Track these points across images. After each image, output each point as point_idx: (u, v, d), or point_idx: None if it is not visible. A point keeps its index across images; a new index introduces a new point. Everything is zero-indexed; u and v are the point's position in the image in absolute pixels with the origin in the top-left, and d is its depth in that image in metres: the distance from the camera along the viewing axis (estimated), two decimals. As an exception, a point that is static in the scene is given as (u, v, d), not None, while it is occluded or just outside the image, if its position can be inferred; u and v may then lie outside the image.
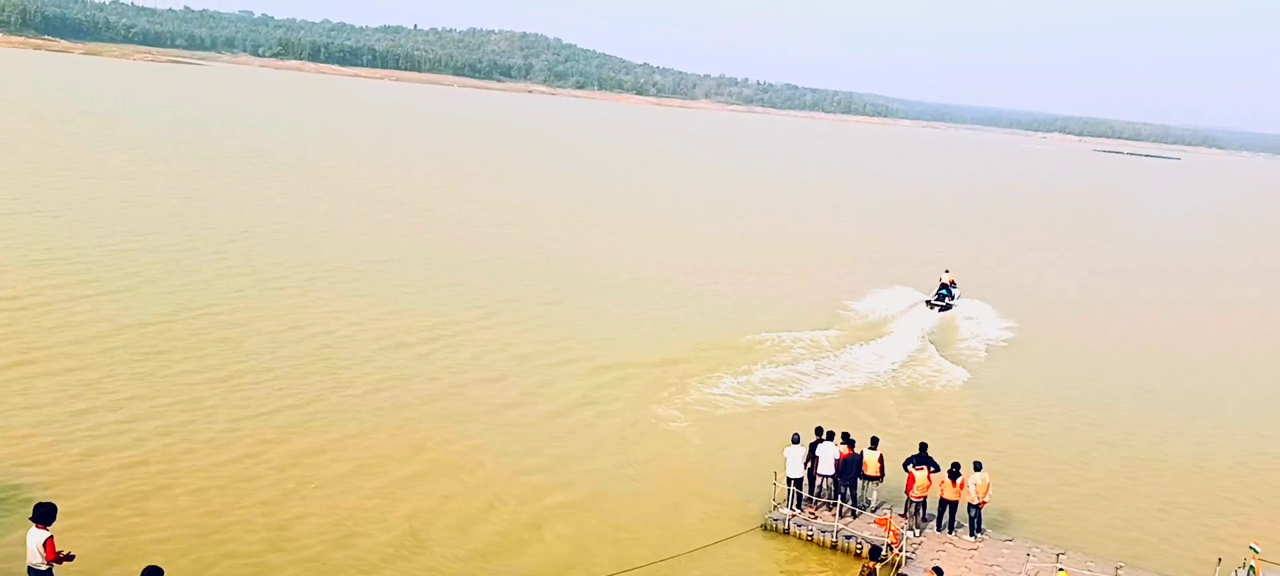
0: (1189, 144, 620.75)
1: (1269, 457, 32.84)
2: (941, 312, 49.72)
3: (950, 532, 23.37)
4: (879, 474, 24.20)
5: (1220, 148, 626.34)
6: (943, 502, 23.48)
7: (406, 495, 23.74)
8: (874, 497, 24.46)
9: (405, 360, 34.15)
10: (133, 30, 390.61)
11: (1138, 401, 38.15)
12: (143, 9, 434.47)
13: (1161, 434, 34.25)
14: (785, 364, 38.24)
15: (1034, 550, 22.89)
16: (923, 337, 44.66)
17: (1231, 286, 73.61)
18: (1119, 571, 22.00)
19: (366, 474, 24.66)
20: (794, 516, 23.67)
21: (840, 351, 40.88)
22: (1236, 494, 29.13)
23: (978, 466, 23.54)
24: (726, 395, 33.82)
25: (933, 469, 23.59)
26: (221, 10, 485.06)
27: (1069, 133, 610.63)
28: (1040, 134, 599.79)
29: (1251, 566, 21.61)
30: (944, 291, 51.47)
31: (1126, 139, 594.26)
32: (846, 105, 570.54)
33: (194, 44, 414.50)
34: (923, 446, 24.25)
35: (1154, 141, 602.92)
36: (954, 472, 23.24)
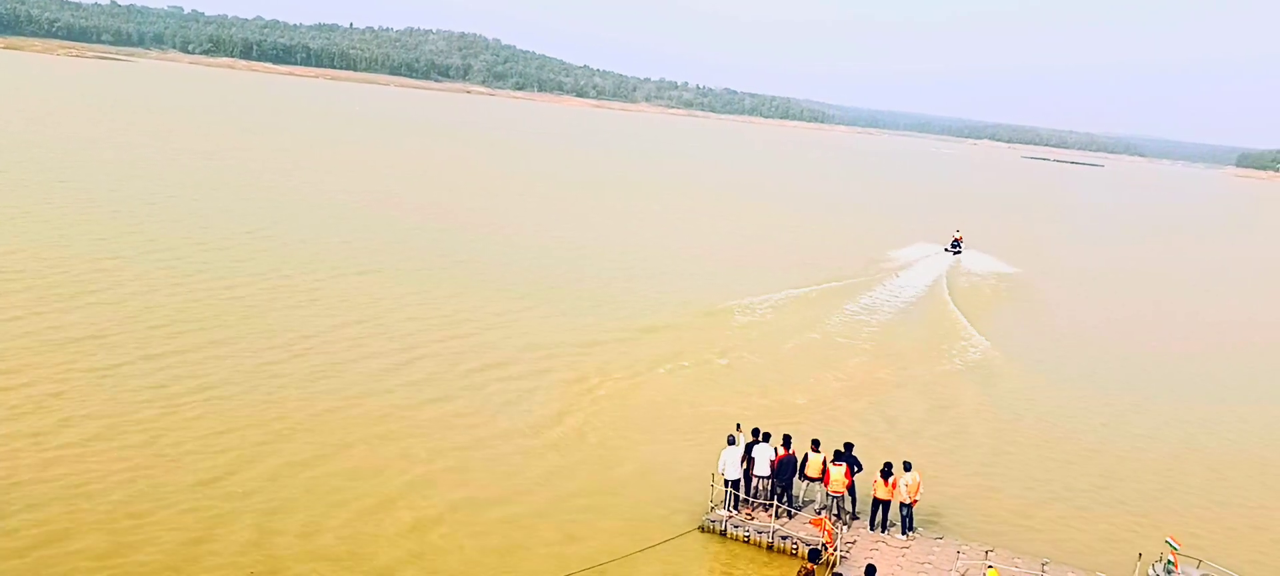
0: (1112, 151, 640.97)
1: (1193, 453, 34.00)
2: (954, 257, 73.08)
3: (883, 531, 23.78)
4: (821, 474, 24.51)
5: (1142, 155, 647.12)
6: (875, 502, 23.89)
7: (330, 502, 23.31)
8: (819, 498, 24.73)
9: (336, 361, 33.67)
10: (56, 24, 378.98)
11: (1068, 401, 39.10)
12: (67, 2, 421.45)
13: (1090, 433, 35.13)
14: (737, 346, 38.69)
15: (964, 548, 23.40)
16: (940, 277, 64.21)
17: (1172, 286, 76.00)
18: (1045, 567, 22.59)
19: (290, 481, 24.20)
20: (730, 518, 23.84)
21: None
22: (1159, 490, 30.04)
23: (908, 466, 23.98)
24: (669, 393, 34.04)
25: (855, 467, 24.04)
26: (150, 5, 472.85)
27: (999, 139, 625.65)
28: (970, 140, 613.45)
29: (1169, 560, 22.37)
30: (955, 244, 75.14)
31: (1053, 146, 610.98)
32: (784, 110, 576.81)
33: (120, 39, 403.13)
34: (847, 445, 24.66)
35: (1079, 148, 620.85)
36: (886, 472, 23.65)
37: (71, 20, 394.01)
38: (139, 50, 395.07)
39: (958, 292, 59.60)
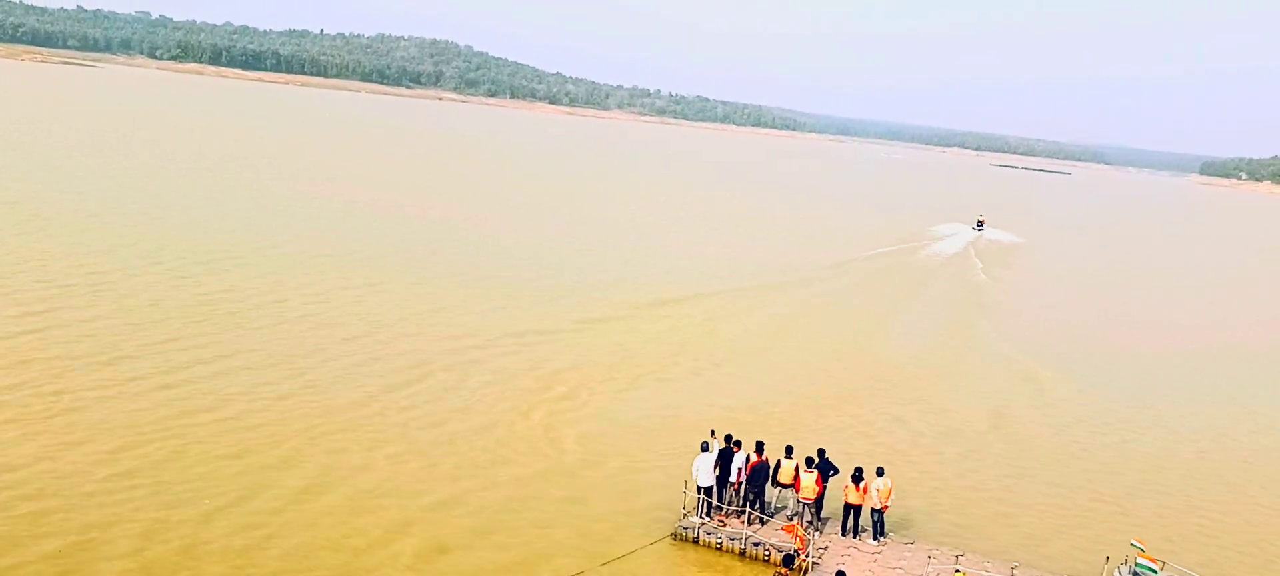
0: (1079, 159, 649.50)
1: (1166, 454, 34.57)
2: (978, 233, 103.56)
3: (854, 537, 23.95)
4: (795, 481, 24.62)
5: (1108, 163, 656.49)
6: (847, 507, 24.06)
7: (293, 513, 23.05)
8: (791, 504, 24.86)
9: (306, 359, 33.44)
10: (21, 29, 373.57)
11: (1042, 402, 39.59)
12: (32, 7, 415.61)
13: (1063, 434, 35.56)
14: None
15: (934, 552, 23.61)
16: (966, 245, 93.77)
17: (1143, 289, 77.01)
18: (1014, 571, 22.86)
19: (257, 492, 23.90)
20: (703, 525, 23.91)
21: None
22: (1128, 492, 30.41)
23: (880, 472, 24.17)
24: (639, 398, 34.08)
25: (828, 472, 24.20)
26: (117, 10, 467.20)
27: (967, 148, 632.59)
28: (940, 148, 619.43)
29: (1137, 562, 22.70)
30: (979, 224, 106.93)
31: (1021, 154, 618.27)
32: (756, 119, 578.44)
33: (87, 45, 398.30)
34: (820, 451, 24.83)
35: (1047, 156, 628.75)
36: (857, 477, 23.83)
37: (36, 25, 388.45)
38: (105, 55, 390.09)
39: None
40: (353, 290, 46.25)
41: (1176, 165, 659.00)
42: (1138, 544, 23.09)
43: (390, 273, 51.46)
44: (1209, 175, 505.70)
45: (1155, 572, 22.42)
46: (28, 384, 29.14)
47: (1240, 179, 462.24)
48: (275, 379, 32.19)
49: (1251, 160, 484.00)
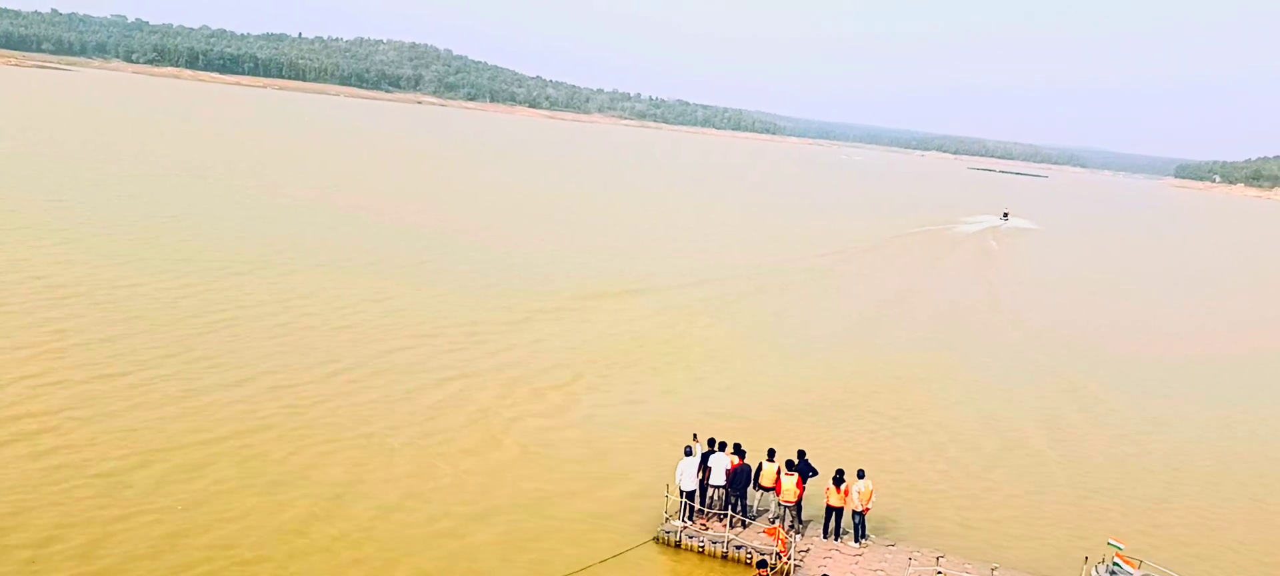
0: (1056, 162, 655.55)
1: (1149, 455, 34.84)
2: (1003, 221, 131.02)
3: (836, 539, 24.05)
4: (776, 484, 24.70)
5: (1084, 166, 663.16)
6: (828, 509, 24.16)
7: (261, 516, 22.87)
8: (772, 507, 24.91)
9: (285, 359, 33.23)
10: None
11: (1018, 403, 39.84)
12: (5, 10, 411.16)
13: (1037, 438, 35.83)
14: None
15: (916, 554, 23.74)
16: (990, 230, 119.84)
17: (1124, 293, 77.70)
18: (994, 572, 23.01)
19: (222, 495, 23.71)
20: (685, 528, 23.94)
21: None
22: (1106, 492, 30.66)
23: (861, 474, 24.28)
24: (624, 400, 34.08)
25: (808, 475, 24.30)
26: (92, 14, 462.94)
27: (945, 151, 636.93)
28: (918, 152, 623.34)
29: (1114, 561, 22.90)
30: (1005, 216, 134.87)
31: (998, 157, 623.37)
32: (736, 122, 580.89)
33: (62, 48, 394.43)
34: (800, 453, 24.93)
35: (1023, 160, 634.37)
36: (838, 479, 23.92)
37: (10, 28, 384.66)
38: (81, 59, 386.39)
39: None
40: (330, 293, 45.99)
41: (1152, 168, 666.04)
42: (1115, 543, 23.28)
43: (367, 276, 51.17)
44: (1184, 178, 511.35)
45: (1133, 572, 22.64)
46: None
47: (1214, 182, 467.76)
48: (242, 380, 31.95)
49: (1225, 163, 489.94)
